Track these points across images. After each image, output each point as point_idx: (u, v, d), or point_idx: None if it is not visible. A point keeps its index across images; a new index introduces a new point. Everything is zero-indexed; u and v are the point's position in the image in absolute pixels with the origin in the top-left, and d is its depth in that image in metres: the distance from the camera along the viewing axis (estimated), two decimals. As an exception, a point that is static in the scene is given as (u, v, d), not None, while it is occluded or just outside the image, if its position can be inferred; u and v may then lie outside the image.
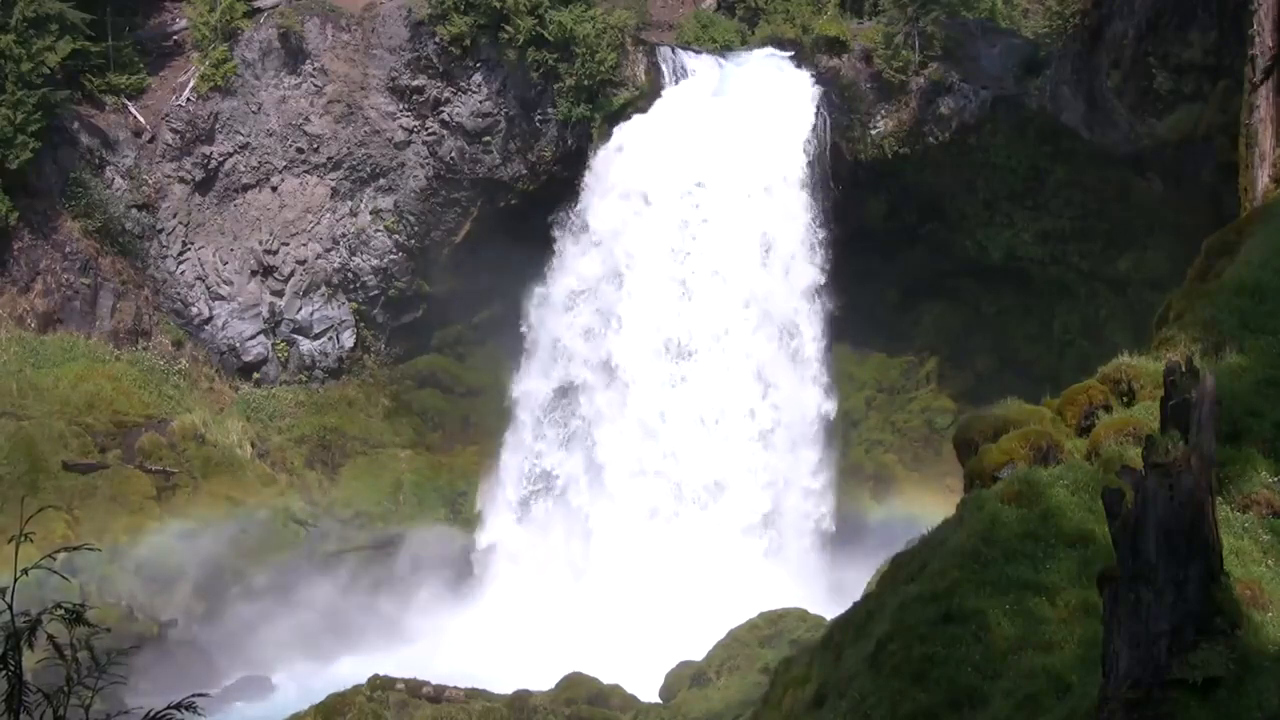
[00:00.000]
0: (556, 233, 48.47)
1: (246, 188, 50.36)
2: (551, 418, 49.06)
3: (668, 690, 34.86)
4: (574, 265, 48.51)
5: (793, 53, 49.18)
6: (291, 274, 50.79)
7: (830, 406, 47.92)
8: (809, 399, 47.50)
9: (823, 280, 47.38)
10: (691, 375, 46.85)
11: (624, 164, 47.74)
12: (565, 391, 48.85)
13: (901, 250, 49.18)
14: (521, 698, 34.32)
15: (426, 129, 50.05)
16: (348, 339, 51.37)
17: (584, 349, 48.22)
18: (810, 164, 47.69)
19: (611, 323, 47.82)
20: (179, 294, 50.08)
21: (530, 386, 49.19)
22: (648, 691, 35.09)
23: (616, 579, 43.86)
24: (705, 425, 46.56)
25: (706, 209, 47.16)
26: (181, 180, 49.78)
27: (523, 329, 49.08)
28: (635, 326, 47.30)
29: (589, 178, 48.11)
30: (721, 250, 47.02)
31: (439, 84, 49.65)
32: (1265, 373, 15.83)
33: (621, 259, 47.65)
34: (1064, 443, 16.75)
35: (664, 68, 48.82)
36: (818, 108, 48.16)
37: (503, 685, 35.55)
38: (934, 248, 49.12)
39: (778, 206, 47.27)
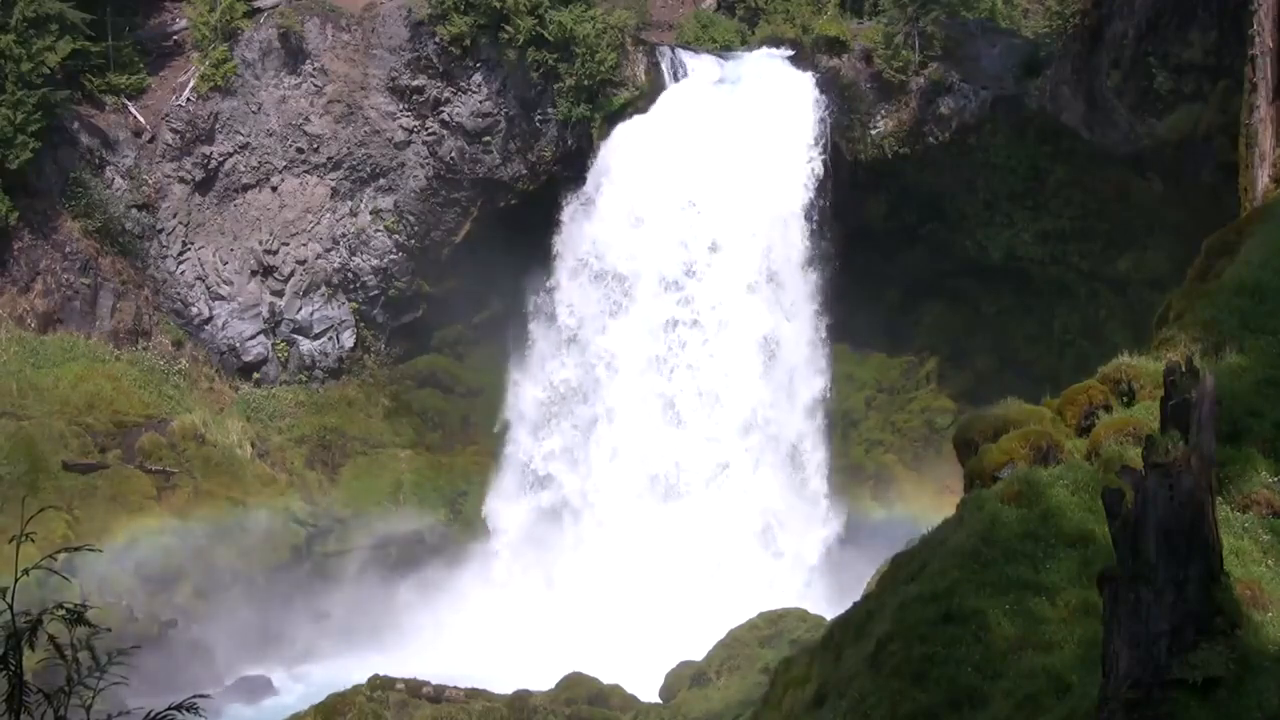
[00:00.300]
0: (531, 303, 46.89)
1: (246, 188, 50.37)
2: (524, 560, 46.01)
3: (668, 690, 34.83)
4: (545, 368, 45.83)
5: (793, 52, 49.03)
6: (291, 274, 50.78)
7: (837, 527, 44.68)
8: (814, 539, 44.22)
9: (829, 384, 44.29)
10: (681, 520, 42.72)
11: (597, 230, 45.18)
12: (541, 515, 45.98)
13: (901, 250, 49.10)
14: (521, 698, 34.29)
15: (426, 129, 50.04)
16: (348, 339, 51.35)
17: (559, 471, 45.35)
18: (815, 231, 44.47)
19: (591, 449, 44.01)
20: (179, 294, 50.08)
21: (500, 507, 46.61)
22: (648, 691, 35.06)
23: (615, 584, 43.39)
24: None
25: (698, 304, 43.50)
26: (181, 180, 49.78)
27: (496, 429, 47.87)
28: (615, 459, 43.30)
29: (558, 242, 46.15)
30: (716, 359, 43.13)
31: (439, 84, 49.64)
32: (1265, 373, 15.83)
33: (598, 363, 44.35)
34: (1064, 443, 16.75)
35: (664, 68, 48.75)
36: (821, 149, 45.40)
37: (503, 685, 35.52)
38: (934, 248, 49.07)
39: (781, 299, 43.51)
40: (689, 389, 43.97)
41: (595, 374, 45.48)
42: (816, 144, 46.78)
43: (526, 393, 47.23)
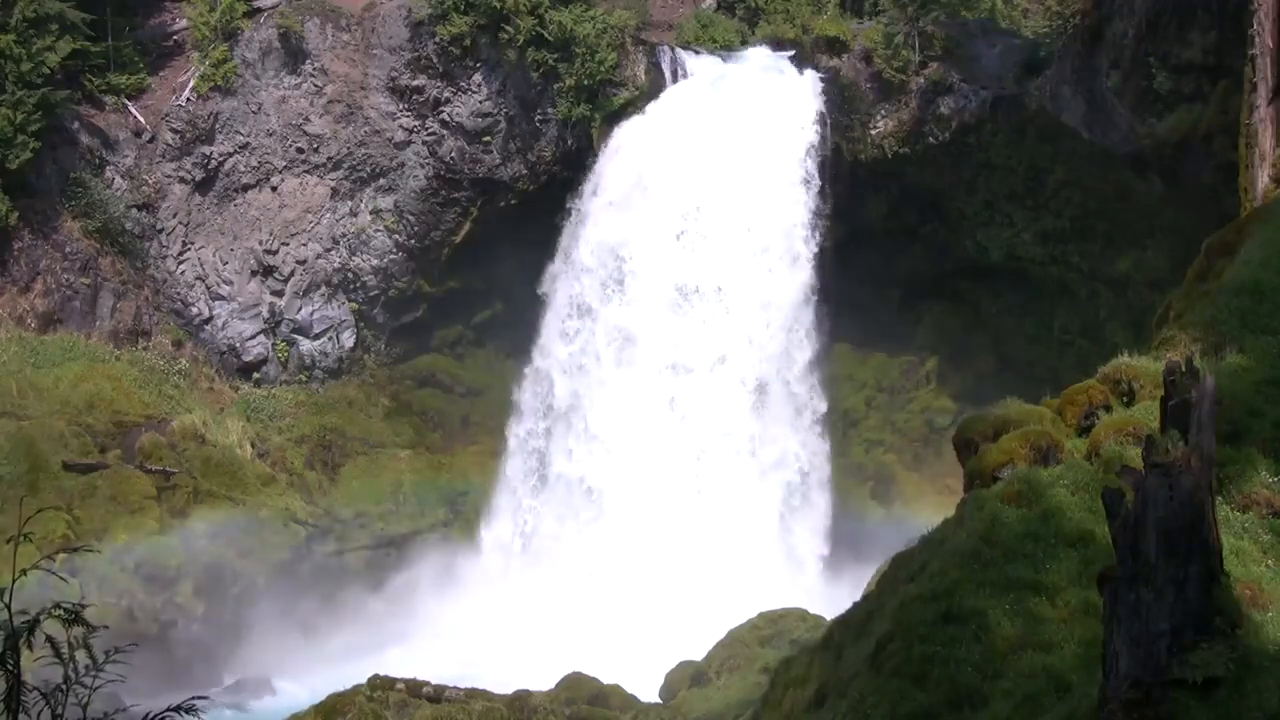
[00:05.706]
0: (532, 302, 46.83)
1: (246, 188, 50.36)
2: (524, 560, 45.64)
3: (668, 690, 34.79)
4: (546, 366, 45.41)
5: (793, 51, 48.99)
6: (291, 274, 50.78)
7: (837, 527, 44.39)
8: (814, 539, 43.97)
9: (829, 382, 44.12)
10: (682, 519, 42.39)
11: (597, 230, 44.97)
12: (541, 514, 45.75)
13: (901, 250, 49.10)
14: (521, 698, 34.23)
15: (426, 129, 50.04)
16: (348, 339, 51.35)
17: (559, 470, 45.01)
18: (814, 231, 44.20)
19: (591, 448, 43.60)
20: (179, 294, 50.08)
21: (500, 507, 46.19)
22: (648, 691, 35.02)
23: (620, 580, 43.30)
24: None
25: (697, 302, 43.78)
26: (181, 180, 49.78)
27: (498, 430, 47.82)
28: (615, 459, 42.86)
29: (558, 242, 46.24)
30: (714, 358, 43.04)
31: (439, 84, 49.64)
32: (1265, 373, 15.83)
33: (599, 360, 43.77)
34: (1064, 443, 16.74)
35: (664, 68, 48.75)
36: (821, 149, 45.04)
37: (503, 685, 35.47)
38: (934, 248, 49.08)
39: (781, 298, 43.40)
40: (689, 386, 43.98)
41: (596, 372, 45.42)
42: (816, 144, 46.79)
43: (527, 392, 47.22)
